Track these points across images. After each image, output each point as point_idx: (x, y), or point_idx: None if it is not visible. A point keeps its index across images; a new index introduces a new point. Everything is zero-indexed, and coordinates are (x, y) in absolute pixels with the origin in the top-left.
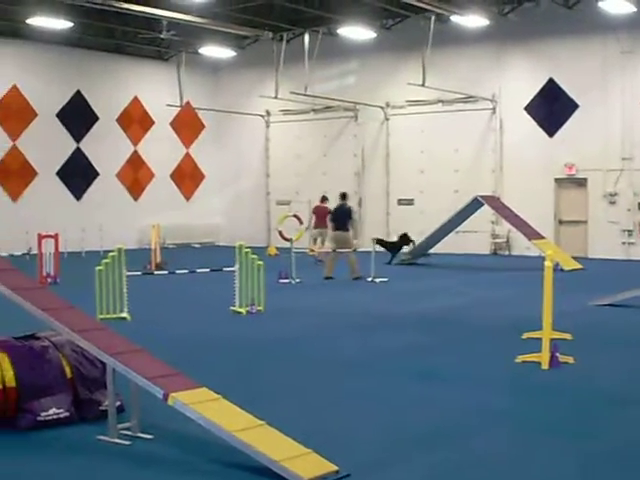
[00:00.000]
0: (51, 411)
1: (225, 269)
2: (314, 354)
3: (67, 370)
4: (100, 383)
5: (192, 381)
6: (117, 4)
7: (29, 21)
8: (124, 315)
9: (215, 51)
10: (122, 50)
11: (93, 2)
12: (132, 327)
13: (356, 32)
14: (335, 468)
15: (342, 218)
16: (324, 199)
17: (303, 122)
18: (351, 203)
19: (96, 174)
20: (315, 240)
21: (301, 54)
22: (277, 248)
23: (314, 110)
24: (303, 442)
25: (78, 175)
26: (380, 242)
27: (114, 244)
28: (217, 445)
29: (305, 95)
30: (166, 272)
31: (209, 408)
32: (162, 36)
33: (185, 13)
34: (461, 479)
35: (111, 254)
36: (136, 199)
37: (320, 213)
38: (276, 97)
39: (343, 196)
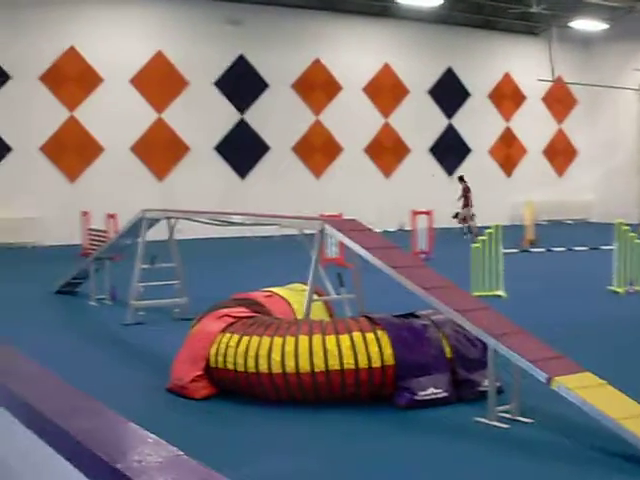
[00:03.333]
0: (429, 390)
1: (602, 247)
2: None
3: (447, 350)
4: (479, 364)
5: (576, 365)
6: None
7: (398, 0)
8: (500, 293)
9: (586, 24)
10: (492, 26)
11: None
12: (508, 305)
13: None
14: None
15: None
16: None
17: None
18: None
19: (468, 150)
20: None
21: None
22: None
23: None
24: None
25: (450, 151)
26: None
27: (486, 221)
28: (601, 432)
29: None
30: (542, 249)
31: (594, 394)
32: (532, 10)
33: None
34: None
35: (488, 231)
36: (508, 175)
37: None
38: None
39: None
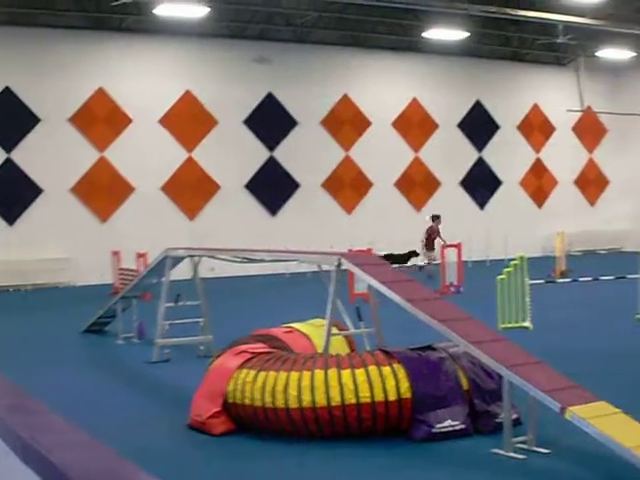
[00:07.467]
0: (446, 423)
1: (629, 276)
2: None
3: (464, 382)
4: (497, 395)
5: (590, 394)
6: (512, 12)
7: (424, 34)
8: (526, 324)
9: (613, 53)
10: (519, 57)
11: (488, 11)
12: (533, 336)
13: None
14: None
15: None
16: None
17: None
18: None
19: (499, 183)
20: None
21: None
22: None
23: None
24: None
25: (481, 184)
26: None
27: (518, 252)
28: (617, 462)
29: None
30: (569, 280)
31: (608, 423)
32: (559, 41)
33: (580, 16)
34: None
35: (513, 262)
36: (540, 206)
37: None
38: None
39: None
